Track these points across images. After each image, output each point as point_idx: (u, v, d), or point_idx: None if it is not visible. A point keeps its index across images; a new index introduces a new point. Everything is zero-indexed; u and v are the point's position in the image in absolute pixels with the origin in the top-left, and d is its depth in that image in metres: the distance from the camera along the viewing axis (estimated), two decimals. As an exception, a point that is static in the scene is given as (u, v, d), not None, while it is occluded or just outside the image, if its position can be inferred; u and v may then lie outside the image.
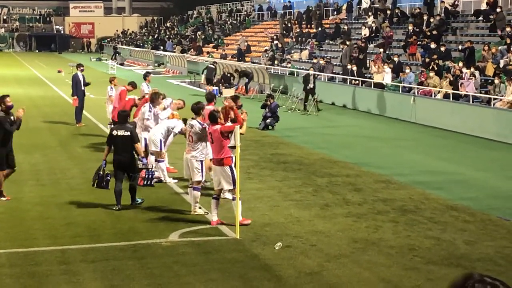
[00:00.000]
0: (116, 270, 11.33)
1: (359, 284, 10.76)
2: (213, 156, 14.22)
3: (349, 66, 36.50)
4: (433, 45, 33.79)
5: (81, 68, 28.01)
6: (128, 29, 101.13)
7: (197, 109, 15.16)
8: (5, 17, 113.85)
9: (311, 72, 34.13)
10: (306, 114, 32.63)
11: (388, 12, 43.33)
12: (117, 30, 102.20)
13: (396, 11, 42.86)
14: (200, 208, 14.90)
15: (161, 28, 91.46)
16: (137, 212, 14.90)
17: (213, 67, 43.77)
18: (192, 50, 62.47)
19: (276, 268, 11.44)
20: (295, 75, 41.15)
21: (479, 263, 11.71)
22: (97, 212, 15.05)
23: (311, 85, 33.27)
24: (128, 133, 15.11)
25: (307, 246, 12.59)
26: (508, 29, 31.15)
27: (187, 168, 14.98)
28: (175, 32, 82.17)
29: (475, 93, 27.27)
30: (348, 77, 36.19)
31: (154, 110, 18.53)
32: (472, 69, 28.45)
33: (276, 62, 45.60)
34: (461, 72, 28.72)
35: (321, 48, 46.14)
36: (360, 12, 48.70)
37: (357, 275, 11.15)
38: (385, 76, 33.31)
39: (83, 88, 27.67)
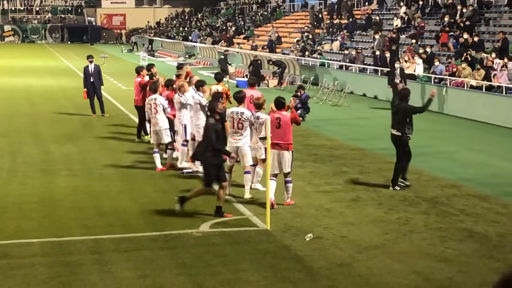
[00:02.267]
0: (147, 260, 11.42)
1: (390, 275, 10.73)
2: (276, 141, 14.57)
3: (387, 54, 36.17)
4: (465, 36, 33.47)
5: (90, 59, 27.77)
6: (160, 20, 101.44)
7: (241, 98, 15.95)
8: (37, 9, 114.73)
9: (397, 65, 31.50)
10: (337, 105, 32.49)
11: (420, 2, 42.98)
12: (148, 22, 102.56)
13: (429, 1, 42.50)
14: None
15: (192, 19, 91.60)
16: (169, 203, 14.98)
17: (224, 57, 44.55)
18: (222, 41, 62.48)
19: (307, 259, 11.46)
20: (326, 66, 41.03)
21: (512, 256, 11.64)
22: (129, 202, 15.16)
23: (397, 81, 30.63)
24: None
25: (337, 238, 12.59)
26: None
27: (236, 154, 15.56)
28: (206, 23, 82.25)
29: (508, 84, 26.99)
30: (379, 68, 35.99)
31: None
32: (505, 60, 28.16)
33: (306, 53, 45.49)
34: (494, 63, 28.45)
35: (352, 39, 45.93)
36: (392, 2, 48.37)
37: (388, 266, 11.13)
38: (417, 67, 33.07)
39: (92, 80, 27.62)
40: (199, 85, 18.23)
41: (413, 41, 37.80)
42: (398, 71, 30.21)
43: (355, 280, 10.55)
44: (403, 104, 16.56)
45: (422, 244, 12.27)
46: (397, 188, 16.20)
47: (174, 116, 18.49)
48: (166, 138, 18.47)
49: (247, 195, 15.42)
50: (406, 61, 33.83)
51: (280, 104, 14.92)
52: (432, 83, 31.16)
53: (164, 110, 18.39)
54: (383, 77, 35.27)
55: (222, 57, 44.66)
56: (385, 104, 33.24)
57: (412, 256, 11.63)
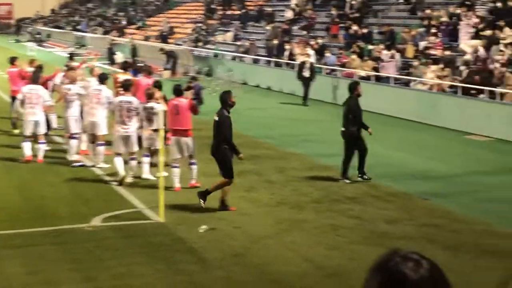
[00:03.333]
0: (38, 255, 11.20)
1: (283, 264, 10.89)
2: (176, 127, 15.19)
3: (286, 46, 36.52)
4: (355, 27, 34.17)
5: None
6: (51, 9, 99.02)
7: (128, 86, 16.42)
8: None
9: (307, 59, 30.90)
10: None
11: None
12: (38, 11, 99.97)
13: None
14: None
15: (82, 8, 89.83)
16: (59, 197, 14.71)
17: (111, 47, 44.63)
18: (114, 31, 61.59)
19: (201, 250, 11.48)
20: (219, 57, 41.12)
21: (400, 242, 11.96)
22: (16, 197, 14.80)
23: (306, 74, 30.17)
24: None
25: (231, 228, 12.66)
26: (428, 11, 31.71)
27: (123, 143, 15.85)
28: (97, 13, 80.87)
29: (395, 74, 27.75)
30: (272, 59, 36.34)
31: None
32: (393, 51, 28.92)
33: (200, 44, 45.42)
34: (382, 54, 29.19)
35: (245, 30, 46.14)
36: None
37: (281, 255, 11.29)
38: (309, 58, 33.49)
39: None
40: (104, 78, 18.01)
41: (305, 32, 38.30)
42: (308, 65, 30.00)
43: (249, 270, 10.65)
44: (350, 100, 16.70)
45: (314, 232, 12.49)
46: (347, 181, 16.19)
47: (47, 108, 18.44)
48: (43, 129, 18.17)
49: (129, 180, 15.82)
50: (298, 52, 34.25)
51: (177, 91, 15.63)
52: (324, 74, 31.67)
53: (44, 101, 18.16)
54: (276, 68, 35.64)
55: (132, 46, 44.28)
56: (278, 95, 33.59)
57: (304, 244, 11.83)
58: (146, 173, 16.17)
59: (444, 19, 30.40)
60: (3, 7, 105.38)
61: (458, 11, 29.85)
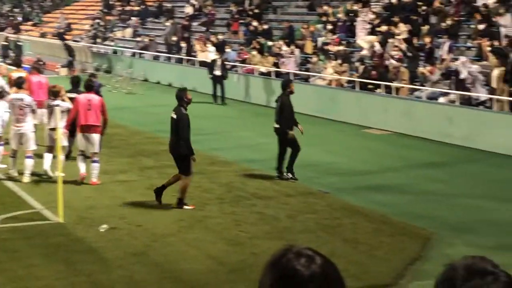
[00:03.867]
0: None
1: (186, 261, 10.87)
2: (88, 123, 15.28)
3: (182, 44, 36.42)
4: (255, 24, 34.37)
5: None
6: None
7: (20, 84, 16.42)
8: None
9: (218, 56, 29.94)
10: (131, 93, 32.21)
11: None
12: None
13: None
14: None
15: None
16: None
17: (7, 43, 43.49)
18: (9, 28, 59.99)
19: (101, 250, 11.33)
20: (119, 54, 40.64)
21: (301, 235, 12.13)
22: None
23: (218, 72, 29.30)
24: None
25: (133, 227, 12.54)
26: (325, 7, 32.19)
27: (18, 140, 15.76)
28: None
29: (295, 70, 28.07)
30: (172, 55, 36.20)
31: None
32: (292, 47, 29.23)
33: (98, 40, 44.76)
34: (281, 50, 29.47)
35: (144, 26, 45.72)
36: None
37: (184, 253, 11.27)
38: (209, 54, 33.52)
39: None
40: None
41: (204, 28, 38.29)
42: (219, 62, 29.33)
43: (150, 269, 10.57)
44: (282, 97, 16.56)
45: (217, 228, 12.51)
46: (289, 175, 16.15)
47: None
48: None
49: (26, 179, 15.52)
50: (198, 48, 34.24)
51: (89, 86, 16.02)
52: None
53: None
54: (177, 65, 35.50)
55: (19, 43, 43.32)
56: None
57: (207, 241, 11.83)
58: (47, 166, 15.82)
59: (341, 15, 30.94)
60: None
61: (355, 7, 30.44)
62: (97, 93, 24.22)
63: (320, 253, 2.59)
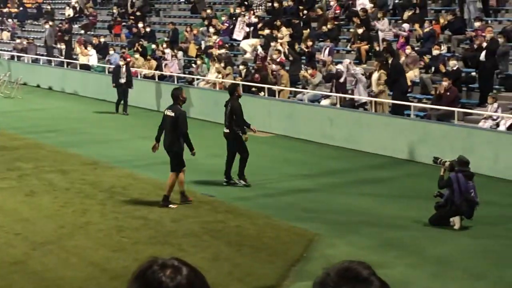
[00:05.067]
0: None
1: (66, 269, 10.66)
2: None
3: (59, 46, 35.71)
4: (138, 26, 34.07)
5: None
6: None
7: None
8: None
9: (123, 63, 27.41)
10: (10, 97, 31.27)
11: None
12: None
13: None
14: None
15: None
16: None
17: None
18: None
19: (-22, 260, 10.96)
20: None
21: (185, 239, 12.10)
22: None
23: (123, 80, 26.83)
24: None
25: (11, 235, 12.20)
26: (208, 11, 32.25)
27: None
28: None
29: (178, 73, 27.98)
30: (53, 58, 35.45)
31: None
32: (175, 51, 29.13)
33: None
34: (164, 53, 29.32)
35: (23, 29, 44.56)
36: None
37: (64, 260, 11.04)
38: (90, 58, 33.00)
39: None
40: None
41: (83, 31, 37.75)
42: (123, 69, 26.98)
43: (29, 278, 10.33)
44: (231, 101, 16.25)
45: (99, 235, 12.31)
46: (242, 182, 16.00)
47: None
48: None
49: None
50: (81, 52, 33.69)
51: None
52: (107, 73, 31.29)
53: None
54: (57, 68, 34.75)
55: None
56: (60, 95, 32.82)
57: (89, 248, 11.63)
58: None
59: (224, 18, 31.08)
60: None
61: (238, 11, 30.63)
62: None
63: (188, 263, 2.58)
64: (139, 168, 17.57)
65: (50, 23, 38.95)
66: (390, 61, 20.68)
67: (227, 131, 16.21)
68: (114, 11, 38.15)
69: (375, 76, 20.80)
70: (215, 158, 19.23)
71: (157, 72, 28.48)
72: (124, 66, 26.81)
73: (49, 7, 44.54)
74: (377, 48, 23.99)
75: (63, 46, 35.51)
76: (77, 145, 20.59)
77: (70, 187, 15.69)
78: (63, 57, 34.79)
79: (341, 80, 21.75)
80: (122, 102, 26.67)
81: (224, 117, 16.39)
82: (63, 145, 20.42)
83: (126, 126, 24.49)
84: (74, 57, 34.35)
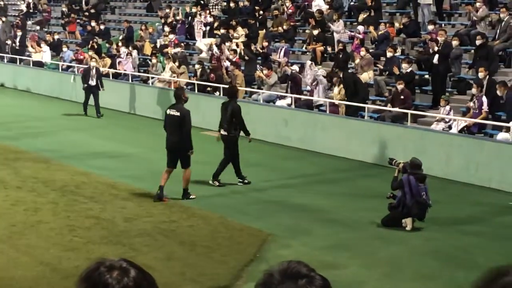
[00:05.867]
0: None
1: (17, 268, 10.51)
2: None
3: (8, 42, 35.27)
4: (93, 24, 33.80)
5: None
6: None
7: None
8: None
9: (93, 64, 26.12)
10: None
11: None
12: None
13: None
14: None
15: None
16: None
17: None
18: None
19: None
20: None
21: (138, 239, 12.02)
22: None
23: (92, 82, 25.54)
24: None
25: (-40, 234, 12.00)
26: (166, 10, 32.10)
27: None
28: None
29: (133, 71, 27.82)
30: (5, 55, 35.00)
31: None
32: (130, 48, 28.95)
33: None
34: (119, 51, 29.13)
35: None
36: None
37: (15, 260, 10.89)
38: (44, 54, 32.63)
39: None
40: None
41: (38, 27, 37.32)
42: (94, 71, 25.68)
43: (-21, 278, 10.14)
44: (231, 103, 16.10)
45: (50, 234, 12.16)
46: (216, 183, 15.91)
47: None
48: None
49: None
50: (32, 48, 33.31)
51: None
52: (60, 70, 30.98)
53: None
54: (10, 64, 34.32)
55: None
56: (12, 92, 32.43)
57: (40, 247, 11.49)
58: None
59: (180, 17, 30.98)
60: None
61: (194, 9, 30.56)
62: None
63: (136, 265, 2.56)
64: (93, 168, 17.40)
65: (3, 18, 38.44)
66: (341, 75, 20.70)
67: (225, 133, 16.10)
68: (64, 8, 37.77)
69: (336, 90, 20.85)
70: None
71: (112, 70, 28.27)
72: (94, 68, 25.74)
73: (1, 2, 43.95)
74: (332, 49, 24.18)
75: (15, 43, 35.01)
76: (29, 143, 20.34)
77: (21, 185, 15.47)
78: (10, 53, 34.27)
79: (307, 79, 21.91)
80: (93, 104, 25.54)
81: (220, 119, 16.31)
82: (15, 143, 20.15)
83: (80, 125, 24.25)
84: (27, 54, 33.91)
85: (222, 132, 16.21)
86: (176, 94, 15.11)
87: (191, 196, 14.71)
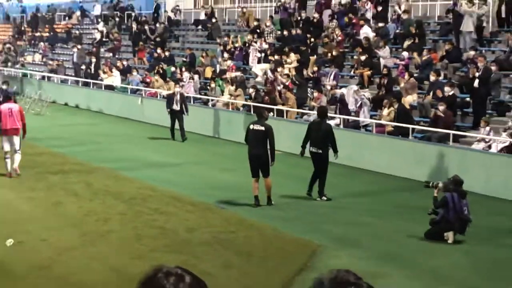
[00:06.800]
0: None
1: (88, 274, 10.64)
2: (9, 127, 17.48)
3: (83, 67, 35.95)
4: (159, 51, 34.22)
5: None
6: None
7: None
8: None
9: (177, 89, 25.26)
10: (40, 114, 31.32)
11: (117, 19, 43.15)
12: None
13: (124, 18, 42.90)
14: None
15: None
16: None
17: None
18: None
19: (6, 264, 10.98)
20: (29, 77, 39.68)
21: (198, 248, 12.06)
22: None
23: (176, 107, 24.56)
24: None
25: (38, 242, 12.20)
26: (226, 39, 32.31)
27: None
28: None
29: (194, 94, 28.04)
30: (80, 79, 35.66)
31: None
32: (192, 73, 29.20)
33: (9, 64, 43.53)
34: (182, 75, 29.42)
35: (53, 52, 44.80)
36: (92, 18, 47.90)
37: (86, 265, 11.02)
38: (114, 79, 33.14)
39: None
40: None
41: (111, 54, 37.89)
42: (178, 96, 24.76)
43: (54, 282, 10.31)
44: (323, 123, 16.21)
45: (119, 242, 12.30)
46: (324, 198, 16.04)
47: None
48: None
49: None
50: (104, 73, 33.84)
51: (7, 97, 18.97)
52: (129, 93, 31.40)
53: None
54: (84, 88, 34.93)
55: None
56: (86, 112, 32.93)
57: (109, 254, 11.60)
58: None
59: (239, 44, 31.15)
60: None
61: (250, 37, 30.70)
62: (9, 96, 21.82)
63: (191, 272, 2.58)
64: (158, 181, 17.54)
65: (78, 46, 39.19)
66: (395, 106, 20.41)
67: (319, 151, 16.05)
68: (134, 36, 38.28)
69: (385, 111, 20.67)
70: (227, 172, 19.25)
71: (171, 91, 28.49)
72: (178, 94, 24.65)
73: (77, 32, 44.81)
74: (379, 74, 24.02)
75: (90, 68, 35.59)
76: (101, 158, 20.62)
77: (93, 197, 15.68)
78: (89, 78, 34.84)
79: (348, 102, 21.80)
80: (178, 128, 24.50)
81: (308, 138, 16.24)
82: (88, 159, 20.45)
83: (147, 143, 24.50)
84: (100, 78, 34.42)
85: (314, 149, 16.12)
86: (258, 113, 15.75)
87: (272, 203, 15.28)
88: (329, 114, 22.31)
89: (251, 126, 15.30)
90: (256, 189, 15.15)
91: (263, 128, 15.00)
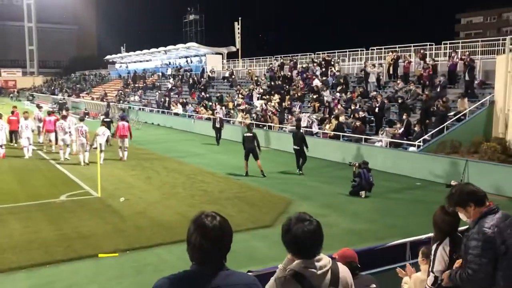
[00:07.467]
0: (29, 217, 10.26)
1: (165, 215, 10.50)
2: (122, 134, 17.62)
3: (161, 103, 35.65)
4: (203, 93, 34.00)
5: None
6: (39, 84, 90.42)
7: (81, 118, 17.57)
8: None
9: (218, 116, 24.67)
10: (139, 129, 31.11)
11: (180, 76, 42.92)
12: (33, 83, 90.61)
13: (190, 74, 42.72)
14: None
15: (55, 82, 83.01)
16: (39, 181, 13.51)
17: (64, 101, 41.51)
18: (74, 95, 57.61)
19: (120, 211, 10.95)
20: (132, 108, 39.56)
21: (225, 201, 11.80)
22: (17, 186, 13.44)
23: (217, 125, 23.48)
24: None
25: (137, 198, 12.14)
26: (239, 87, 32.03)
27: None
28: (64, 85, 75.07)
29: (223, 117, 27.73)
30: (160, 109, 35.57)
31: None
32: (220, 106, 28.91)
33: (121, 101, 43.44)
34: (215, 107, 29.10)
35: (145, 94, 44.68)
36: (166, 76, 47.60)
37: (163, 211, 10.85)
38: (178, 109, 32.92)
39: None
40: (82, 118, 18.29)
41: (176, 96, 37.77)
42: (218, 120, 23.95)
43: (147, 220, 10.23)
44: (299, 132, 15.49)
45: (181, 199, 12.05)
46: (301, 172, 15.24)
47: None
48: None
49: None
50: (173, 106, 33.57)
51: (121, 118, 18.73)
52: (187, 117, 31.14)
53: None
54: (162, 114, 34.77)
55: (62, 100, 41.66)
56: (164, 128, 32.73)
57: (176, 205, 11.41)
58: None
59: (246, 90, 30.94)
60: (11, 82, 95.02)
61: (252, 86, 30.40)
62: (125, 119, 21.63)
63: (220, 214, 2.64)
64: (202, 164, 17.29)
65: (159, 92, 39.01)
66: (335, 123, 19.51)
67: (299, 148, 15.29)
68: (190, 85, 37.90)
69: (328, 126, 19.89)
70: (237, 158, 18.76)
71: (212, 116, 28.40)
72: (218, 118, 24.00)
73: (158, 83, 44.69)
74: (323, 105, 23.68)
75: (166, 104, 35.30)
76: (171, 152, 20.49)
77: (167, 174, 15.48)
78: (165, 108, 34.55)
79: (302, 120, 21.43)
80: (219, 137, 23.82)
81: (295, 141, 15.36)
82: (164, 152, 20.32)
83: (194, 144, 24.35)
84: (171, 109, 34.25)
85: (296, 147, 15.34)
86: (248, 126, 15.52)
87: (264, 174, 14.75)
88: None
89: (245, 134, 15.07)
90: (246, 167, 14.87)
91: (251, 134, 14.82)
